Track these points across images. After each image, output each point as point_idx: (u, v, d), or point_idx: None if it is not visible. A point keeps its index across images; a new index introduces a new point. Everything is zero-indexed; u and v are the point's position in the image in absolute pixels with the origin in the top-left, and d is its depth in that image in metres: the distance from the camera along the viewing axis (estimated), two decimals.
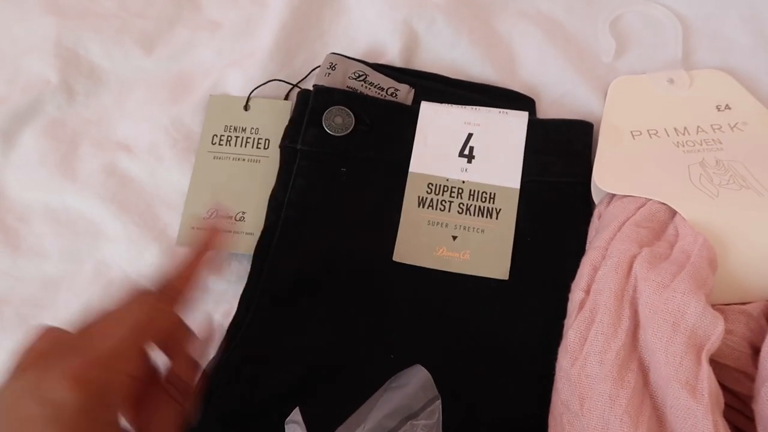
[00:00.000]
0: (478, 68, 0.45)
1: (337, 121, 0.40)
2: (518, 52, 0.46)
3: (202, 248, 0.32)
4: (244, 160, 0.43)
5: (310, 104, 0.41)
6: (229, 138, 0.44)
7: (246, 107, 0.44)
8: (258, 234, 0.40)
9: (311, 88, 0.42)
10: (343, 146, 0.40)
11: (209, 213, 0.42)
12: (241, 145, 0.43)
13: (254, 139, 0.44)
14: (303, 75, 0.46)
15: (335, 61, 0.43)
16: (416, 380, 0.32)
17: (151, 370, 0.29)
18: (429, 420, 0.31)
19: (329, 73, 0.42)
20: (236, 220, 0.42)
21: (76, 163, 0.45)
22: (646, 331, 0.32)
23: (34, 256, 0.42)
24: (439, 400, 0.32)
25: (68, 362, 0.26)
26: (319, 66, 0.44)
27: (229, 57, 0.47)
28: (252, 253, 0.40)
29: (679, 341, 0.31)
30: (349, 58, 0.44)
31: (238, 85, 0.45)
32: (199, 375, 0.31)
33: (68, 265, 0.42)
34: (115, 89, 0.47)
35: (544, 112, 0.44)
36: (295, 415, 0.30)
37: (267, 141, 0.44)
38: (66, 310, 0.41)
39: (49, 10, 0.49)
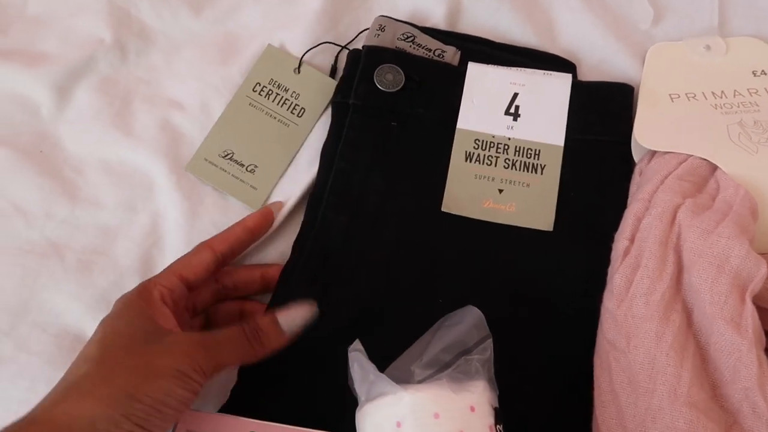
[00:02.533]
0: (519, 34, 0.47)
1: (388, 78, 0.41)
2: (558, 19, 0.48)
3: (249, 222, 0.39)
4: (275, 118, 0.45)
5: (362, 61, 0.42)
6: (270, 92, 0.45)
7: (297, 70, 0.46)
8: (262, 192, 0.43)
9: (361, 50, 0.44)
10: (393, 102, 0.42)
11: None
12: (278, 103, 0.45)
13: (292, 103, 0.45)
14: (348, 38, 0.47)
15: (384, 23, 0.44)
16: (469, 319, 0.34)
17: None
18: (482, 356, 0.33)
19: (378, 35, 0.44)
20: (247, 170, 0.44)
21: (129, 118, 0.46)
22: (690, 274, 0.34)
23: (91, 205, 0.44)
24: (491, 338, 0.33)
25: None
26: (365, 29, 0.46)
27: (275, 20, 0.48)
28: (249, 207, 0.43)
29: (724, 282, 0.32)
30: (397, 20, 0.45)
31: (286, 48, 0.47)
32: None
33: (124, 214, 0.44)
34: (164, 49, 0.48)
35: (584, 76, 0.46)
36: (357, 344, 0.32)
37: (303, 110, 0.45)
38: (124, 258, 0.43)
39: None
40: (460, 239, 0.40)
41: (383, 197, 0.40)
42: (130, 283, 0.41)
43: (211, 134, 0.45)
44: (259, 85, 0.45)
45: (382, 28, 0.44)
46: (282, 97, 0.45)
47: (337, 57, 0.47)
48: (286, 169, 0.44)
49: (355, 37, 0.47)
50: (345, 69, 0.43)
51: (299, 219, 0.42)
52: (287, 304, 0.35)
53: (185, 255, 0.38)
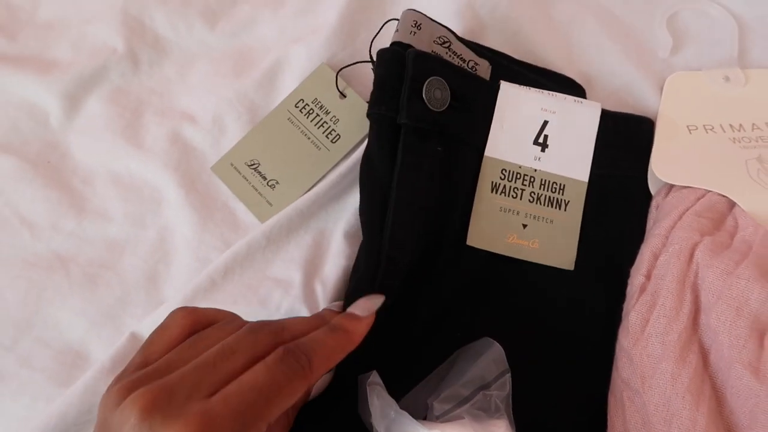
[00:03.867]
0: (538, 55, 0.46)
1: (437, 95, 0.38)
2: (576, 42, 0.47)
3: (355, 338, 0.31)
4: (309, 138, 0.44)
5: (410, 71, 0.37)
6: (311, 111, 0.44)
7: (341, 95, 0.45)
8: (276, 209, 0.42)
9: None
10: (441, 123, 0.38)
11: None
12: (316, 124, 0.44)
13: (330, 126, 0.44)
14: (365, 53, 0.46)
15: (419, 20, 0.39)
16: (488, 353, 0.33)
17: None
18: (501, 391, 0.32)
19: (414, 33, 0.39)
20: (268, 184, 0.43)
21: (140, 130, 0.45)
22: (708, 316, 0.33)
23: (99, 218, 0.43)
24: (509, 374, 0.33)
25: (194, 407, 0.24)
26: (392, 19, 0.42)
27: (291, 34, 0.48)
28: (259, 221, 0.42)
29: (743, 325, 0.32)
30: (431, 19, 0.41)
31: (301, 62, 0.46)
32: None
33: (132, 228, 0.43)
34: (178, 61, 0.48)
35: (601, 102, 0.45)
36: (375, 376, 0.31)
37: (338, 136, 0.44)
38: (131, 273, 0.42)
39: None
40: (483, 272, 0.39)
41: (436, 230, 0.38)
42: (136, 299, 0.42)
43: (243, 140, 0.44)
44: (302, 101, 0.45)
45: (417, 26, 0.39)
46: (321, 119, 0.44)
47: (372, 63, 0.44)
48: (304, 193, 0.43)
49: (382, 26, 0.43)
50: (380, 70, 0.38)
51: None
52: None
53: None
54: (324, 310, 0.35)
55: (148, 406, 0.24)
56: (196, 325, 0.29)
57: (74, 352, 0.40)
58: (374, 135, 0.38)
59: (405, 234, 0.36)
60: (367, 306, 0.32)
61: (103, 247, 0.43)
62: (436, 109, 0.37)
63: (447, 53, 0.39)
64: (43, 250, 0.43)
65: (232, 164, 0.44)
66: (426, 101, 0.37)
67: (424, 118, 0.37)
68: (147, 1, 0.48)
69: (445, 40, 0.39)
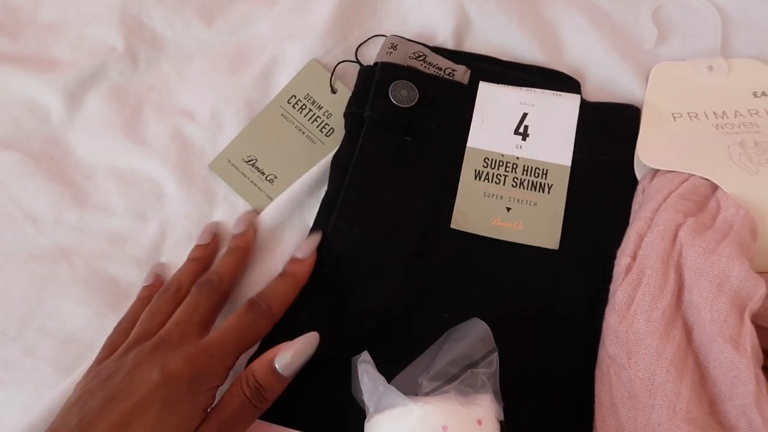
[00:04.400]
0: (527, 51, 0.47)
1: (403, 94, 0.42)
2: (565, 37, 0.48)
3: (301, 279, 0.39)
4: (303, 133, 0.45)
5: (377, 77, 0.43)
6: (303, 106, 0.46)
7: (332, 90, 0.46)
8: None
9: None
10: (407, 117, 0.42)
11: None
12: (309, 119, 0.45)
13: (323, 121, 0.46)
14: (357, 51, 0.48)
15: (396, 42, 0.45)
16: (475, 332, 0.34)
17: None
18: (488, 369, 0.33)
19: (390, 53, 0.44)
20: (266, 179, 0.44)
21: (140, 126, 0.47)
22: (691, 293, 0.34)
23: (101, 212, 0.45)
24: (497, 352, 0.34)
25: (188, 347, 0.34)
26: (377, 35, 0.47)
27: (285, 31, 0.49)
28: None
29: (724, 301, 0.33)
30: (408, 40, 0.46)
31: (296, 59, 0.47)
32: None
33: (133, 222, 0.44)
34: (175, 58, 0.49)
35: (589, 94, 0.47)
36: (366, 355, 0.33)
37: (332, 130, 0.46)
38: (133, 265, 0.43)
39: None
40: (468, 255, 0.40)
41: (396, 210, 0.41)
42: (137, 291, 0.42)
43: (239, 137, 0.45)
44: (295, 97, 0.46)
45: (394, 47, 0.44)
46: (314, 113, 0.46)
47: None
48: None
49: (367, 40, 0.47)
50: (358, 82, 0.44)
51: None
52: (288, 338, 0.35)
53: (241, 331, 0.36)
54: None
55: (152, 351, 0.34)
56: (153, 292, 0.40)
57: (78, 341, 0.41)
58: (346, 132, 0.43)
59: (354, 210, 0.41)
60: (306, 248, 0.39)
61: (105, 240, 0.44)
62: (402, 105, 0.42)
63: (422, 65, 0.44)
64: (46, 243, 0.44)
65: (229, 161, 0.45)
66: (392, 99, 0.42)
67: (387, 111, 0.42)
68: (145, 1, 0.49)
69: (420, 54, 0.44)
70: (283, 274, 0.39)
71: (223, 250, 0.42)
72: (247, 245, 0.42)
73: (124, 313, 0.41)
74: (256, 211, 0.44)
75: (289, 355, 0.33)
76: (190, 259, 0.42)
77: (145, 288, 0.42)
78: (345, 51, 0.48)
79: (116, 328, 0.40)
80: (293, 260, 0.39)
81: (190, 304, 0.37)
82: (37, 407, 0.39)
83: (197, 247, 0.43)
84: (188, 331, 0.35)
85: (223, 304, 0.40)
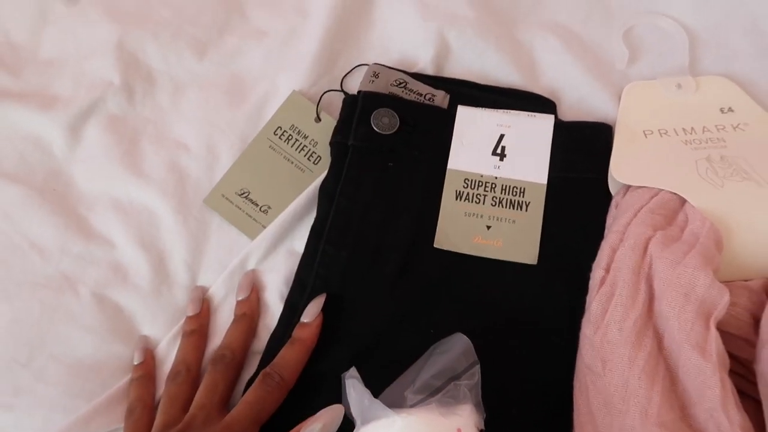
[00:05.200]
0: (504, 74, 0.50)
1: (385, 121, 0.44)
2: (539, 60, 0.51)
3: (310, 343, 0.40)
4: (292, 163, 0.48)
5: (360, 106, 0.45)
6: (290, 137, 0.48)
7: (317, 119, 0.48)
8: None
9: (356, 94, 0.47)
10: (390, 143, 0.45)
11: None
12: (296, 149, 0.48)
13: (310, 150, 0.48)
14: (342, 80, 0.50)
15: (378, 71, 0.48)
16: (458, 346, 0.36)
17: None
18: (470, 381, 0.35)
19: (373, 81, 0.47)
20: (261, 210, 0.46)
21: (138, 158, 0.49)
22: (660, 302, 0.36)
23: (103, 242, 0.47)
24: (479, 365, 0.36)
25: (212, 428, 0.36)
26: (361, 64, 0.49)
27: (275, 63, 0.52)
28: None
29: (690, 309, 0.35)
30: (389, 68, 0.48)
31: (285, 92, 0.49)
32: None
33: (135, 252, 0.46)
34: (169, 90, 0.51)
35: (564, 114, 0.49)
36: (353, 371, 0.35)
37: (319, 157, 0.48)
38: (135, 293, 0.45)
39: (111, 17, 0.53)
40: (451, 272, 0.43)
41: (381, 233, 0.43)
42: (141, 319, 0.45)
43: (230, 171, 0.48)
44: (281, 129, 0.48)
45: (376, 75, 0.47)
46: (301, 143, 0.48)
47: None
48: None
49: (351, 71, 0.50)
50: (342, 112, 0.46)
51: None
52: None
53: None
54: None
55: None
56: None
57: (86, 366, 0.43)
58: (332, 160, 0.45)
59: (341, 236, 0.43)
60: (311, 311, 0.41)
61: (109, 269, 0.46)
62: (384, 132, 0.44)
63: (404, 92, 0.47)
64: (53, 272, 0.46)
65: (223, 195, 0.47)
66: (374, 126, 0.45)
67: (370, 138, 0.45)
68: (140, 37, 0.52)
69: (401, 81, 0.47)
70: (291, 341, 0.40)
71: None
72: (252, 311, 0.43)
73: (132, 341, 0.44)
74: (255, 272, 0.45)
75: (318, 428, 0.34)
76: (187, 333, 0.43)
77: (137, 367, 0.43)
78: (331, 81, 0.50)
79: (129, 418, 0.40)
80: (300, 325, 0.41)
81: (210, 386, 0.39)
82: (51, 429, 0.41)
83: (190, 319, 0.44)
84: (211, 413, 0.38)
85: (238, 376, 0.41)
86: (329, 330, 0.41)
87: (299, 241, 0.46)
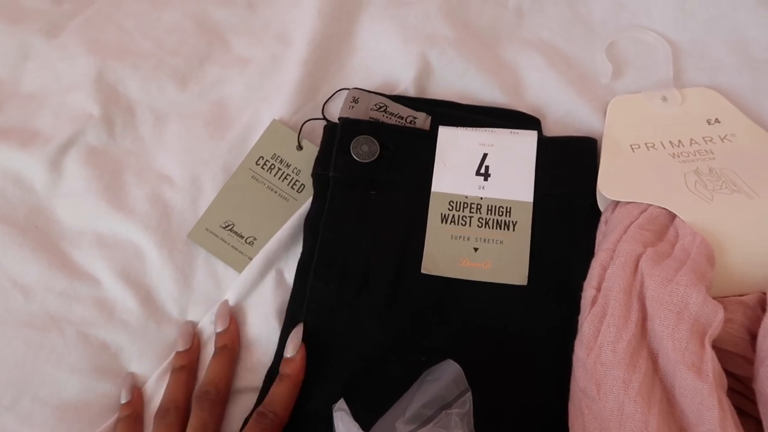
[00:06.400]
0: (487, 93, 0.50)
1: (364, 149, 0.44)
2: (523, 77, 0.51)
3: (297, 376, 0.40)
4: (275, 192, 0.47)
5: (338, 135, 0.45)
6: (272, 166, 0.47)
7: (299, 147, 0.48)
8: None
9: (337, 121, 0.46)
10: (370, 171, 0.44)
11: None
12: (279, 178, 0.47)
13: (293, 178, 0.47)
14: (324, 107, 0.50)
15: (357, 96, 0.47)
16: (448, 374, 0.35)
17: None
18: (461, 409, 0.34)
19: (353, 106, 0.46)
20: (246, 242, 0.46)
21: (120, 191, 0.48)
22: (653, 322, 0.36)
23: (88, 278, 0.46)
24: (470, 392, 0.35)
25: None
26: (342, 89, 0.49)
27: (257, 92, 0.51)
28: None
29: (684, 328, 0.34)
30: (369, 92, 0.48)
31: (268, 120, 0.49)
32: None
33: (120, 288, 0.45)
34: (151, 122, 0.51)
35: (549, 130, 0.49)
36: (341, 403, 0.34)
37: (302, 186, 0.47)
38: (122, 330, 0.44)
39: (91, 50, 0.53)
40: (440, 297, 0.42)
41: (367, 263, 0.42)
42: (128, 356, 0.44)
43: (213, 204, 0.47)
44: (262, 159, 0.48)
45: (356, 100, 0.46)
46: (284, 172, 0.47)
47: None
48: None
49: (331, 96, 0.50)
50: (323, 141, 0.46)
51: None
52: None
53: None
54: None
55: None
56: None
57: (72, 407, 0.42)
58: (314, 192, 0.45)
59: (327, 269, 0.42)
60: (292, 345, 0.41)
61: (94, 306, 0.45)
62: (364, 161, 0.44)
63: (384, 116, 0.46)
64: (37, 310, 0.45)
65: (207, 229, 0.46)
66: (353, 155, 0.44)
67: (350, 168, 0.44)
68: (120, 69, 0.52)
69: (382, 105, 0.46)
70: (280, 378, 0.40)
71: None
72: (233, 343, 0.43)
73: (118, 380, 0.43)
74: (228, 302, 0.45)
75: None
76: (176, 369, 0.42)
77: (124, 406, 0.42)
78: (313, 107, 0.50)
79: None
80: (285, 361, 0.40)
81: (198, 427, 0.38)
82: None
83: (179, 354, 0.43)
84: None
85: (224, 412, 0.41)
86: (320, 364, 0.40)
87: (287, 272, 0.45)
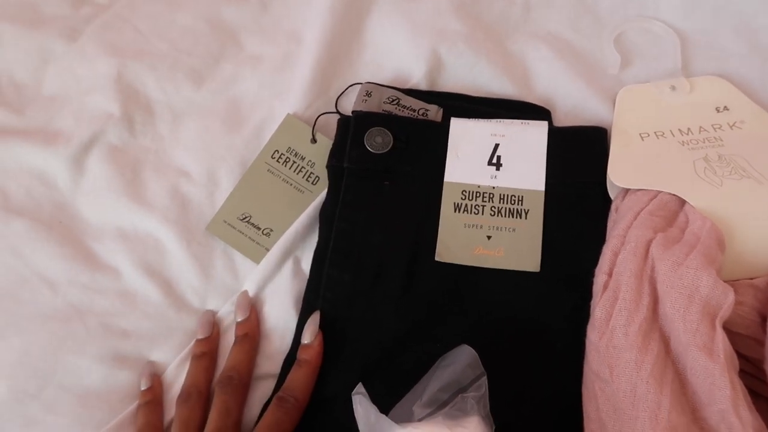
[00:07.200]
0: (498, 85, 0.50)
1: (378, 141, 0.45)
2: (532, 69, 0.51)
3: (315, 362, 0.41)
4: (291, 184, 0.48)
5: (352, 127, 0.46)
6: (287, 159, 0.48)
7: (313, 140, 0.49)
8: None
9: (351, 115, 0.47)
10: (384, 162, 0.45)
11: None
12: (294, 171, 0.48)
13: (308, 171, 0.48)
14: (339, 103, 0.51)
15: (370, 89, 0.48)
16: (464, 359, 0.36)
17: None
18: (477, 393, 0.35)
19: (366, 100, 0.47)
20: (263, 233, 0.47)
21: (140, 187, 0.49)
22: (664, 305, 0.36)
23: (111, 271, 0.47)
24: (485, 376, 0.36)
25: None
26: (355, 84, 0.50)
27: (270, 89, 0.52)
28: None
29: (695, 311, 0.35)
30: (381, 85, 0.49)
31: (282, 115, 0.50)
32: None
33: (141, 280, 0.47)
34: (169, 120, 0.52)
35: (559, 121, 0.49)
36: (360, 387, 0.35)
37: (317, 178, 0.48)
38: (144, 320, 0.46)
39: (109, 53, 0.54)
40: (454, 285, 0.43)
41: (382, 252, 0.43)
42: (148, 345, 0.45)
43: (231, 197, 0.48)
44: (278, 152, 0.49)
45: (369, 94, 0.47)
46: (298, 165, 0.48)
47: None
48: None
49: (344, 91, 0.50)
50: (337, 134, 0.47)
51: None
52: None
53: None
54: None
55: None
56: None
57: (95, 395, 0.44)
58: (329, 184, 0.46)
59: (343, 259, 0.43)
60: (309, 331, 0.42)
61: (116, 297, 0.46)
62: (378, 152, 0.45)
63: (397, 108, 0.47)
64: (62, 303, 0.46)
65: (225, 221, 0.47)
66: (367, 147, 0.45)
67: (364, 160, 0.45)
68: (138, 70, 0.53)
69: (394, 98, 0.47)
70: (298, 363, 0.41)
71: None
72: (253, 331, 0.44)
73: (140, 369, 0.44)
74: (247, 292, 0.46)
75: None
76: (197, 356, 0.43)
77: (144, 393, 0.43)
78: (326, 102, 0.51)
79: None
80: (303, 347, 0.41)
81: (222, 410, 0.40)
82: None
83: (200, 342, 0.44)
84: None
85: (246, 397, 0.42)
86: (336, 352, 0.41)
87: (304, 261, 0.46)
